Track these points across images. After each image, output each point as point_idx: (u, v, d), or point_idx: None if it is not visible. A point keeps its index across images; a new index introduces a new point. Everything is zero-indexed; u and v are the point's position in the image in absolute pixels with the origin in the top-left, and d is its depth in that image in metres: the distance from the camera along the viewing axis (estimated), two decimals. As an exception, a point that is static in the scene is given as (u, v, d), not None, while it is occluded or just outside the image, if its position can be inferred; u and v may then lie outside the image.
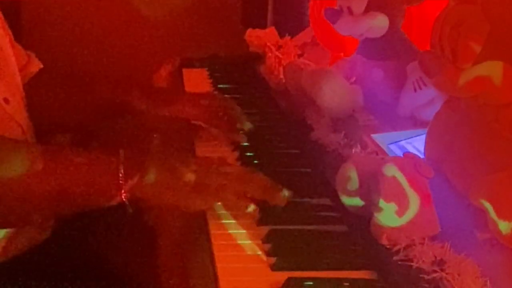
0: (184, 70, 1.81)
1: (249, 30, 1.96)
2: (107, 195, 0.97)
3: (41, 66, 1.36)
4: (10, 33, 1.28)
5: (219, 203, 1.02)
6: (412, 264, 0.83)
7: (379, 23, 1.31)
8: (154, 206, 1.05)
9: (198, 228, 1.03)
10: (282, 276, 0.84)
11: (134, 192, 0.97)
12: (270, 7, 2.41)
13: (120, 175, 0.96)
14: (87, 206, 1.00)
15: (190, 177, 0.98)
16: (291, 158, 1.24)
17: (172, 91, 1.61)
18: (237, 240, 0.95)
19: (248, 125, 1.32)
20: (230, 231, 0.98)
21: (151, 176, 0.97)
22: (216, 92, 1.58)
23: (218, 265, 0.89)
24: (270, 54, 1.79)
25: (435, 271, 0.81)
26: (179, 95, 1.43)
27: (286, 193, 1.02)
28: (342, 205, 0.98)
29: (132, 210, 0.98)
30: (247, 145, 1.28)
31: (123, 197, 0.96)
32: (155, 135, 1.47)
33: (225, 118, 1.32)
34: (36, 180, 0.96)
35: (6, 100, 1.15)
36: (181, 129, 1.35)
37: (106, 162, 0.98)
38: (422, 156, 1.04)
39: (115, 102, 1.33)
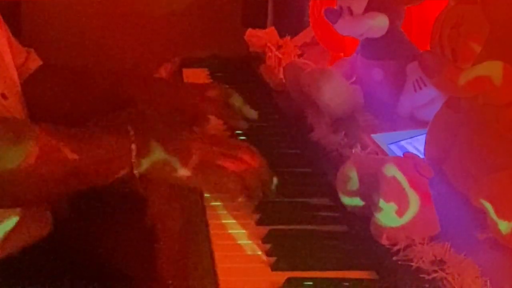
0: (184, 70, 1.81)
1: (249, 30, 1.96)
2: (118, 172, 0.98)
3: (41, 62, 1.35)
4: (8, 29, 1.28)
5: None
6: (412, 264, 0.83)
7: (379, 23, 1.31)
8: (163, 183, 1.07)
9: (198, 228, 1.03)
10: (282, 276, 0.84)
11: (144, 170, 0.98)
12: (270, 7, 2.41)
13: (133, 152, 0.97)
14: (98, 183, 0.99)
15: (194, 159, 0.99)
16: (291, 158, 1.24)
17: (174, 83, 1.60)
18: (237, 240, 0.95)
19: (253, 113, 1.33)
20: (230, 231, 0.98)
21: (159, 154, 0.98)
22: (217, 83, 1.57)
23: (218, 265, 0.89)
24: (270, 54, 1.79)
25: (435, 271, 0.81)
26: (183, 87, 1.43)
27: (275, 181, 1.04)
28: (342, 205, 0.98)
29: (142, 189, 0.99)
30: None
31: (135, 174, 0.97)
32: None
33: (229, 108, 1.32)
34: (43, 160, 0.94)
35: (3, 96, 1.15)
36: (183, 121, 1.33)
37: (118, 139, 0.98)
38: (422, 156, 1.04)
39: (116, 94, 1.33)
